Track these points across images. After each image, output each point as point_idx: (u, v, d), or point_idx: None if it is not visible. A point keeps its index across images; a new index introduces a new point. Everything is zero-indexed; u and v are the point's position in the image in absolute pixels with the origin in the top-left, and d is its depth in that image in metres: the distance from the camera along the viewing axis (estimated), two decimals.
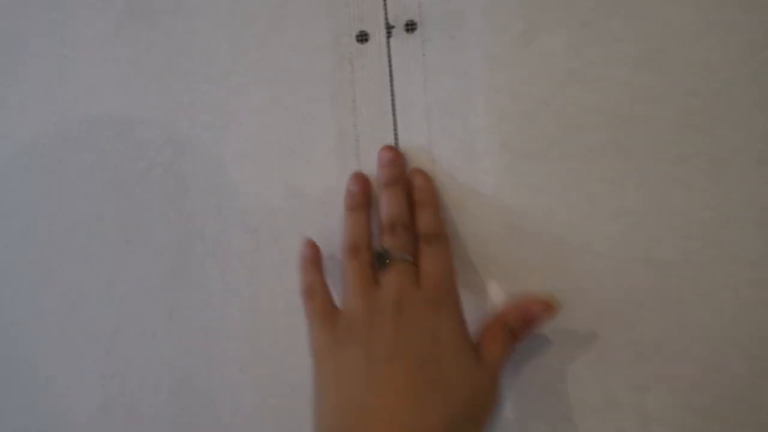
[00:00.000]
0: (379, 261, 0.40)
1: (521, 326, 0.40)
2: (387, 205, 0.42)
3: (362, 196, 0.43)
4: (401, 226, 0.41)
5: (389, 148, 0.43)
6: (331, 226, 0.45)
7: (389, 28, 0.44)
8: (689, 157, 0.39)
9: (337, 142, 0.45)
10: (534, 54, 0.41)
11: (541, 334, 0.42)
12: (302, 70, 0.45)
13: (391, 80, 0.44)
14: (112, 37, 0.49)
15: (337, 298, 0.42)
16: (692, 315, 0.40)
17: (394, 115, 0.44)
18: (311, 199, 0.46)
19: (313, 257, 0.43)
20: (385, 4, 0.43)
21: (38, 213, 0.52)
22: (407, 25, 0.43)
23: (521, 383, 0.42)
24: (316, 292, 0.41)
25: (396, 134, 0.44)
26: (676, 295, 0.40)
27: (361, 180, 0.44)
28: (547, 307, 0.40)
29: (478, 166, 0.43)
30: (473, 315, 0.41)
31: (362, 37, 0.44)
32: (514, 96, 0.42)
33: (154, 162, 0.49)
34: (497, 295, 0.43)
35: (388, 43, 0.44)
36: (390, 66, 0.44)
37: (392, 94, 0.44)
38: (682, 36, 0.39)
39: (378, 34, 0.44)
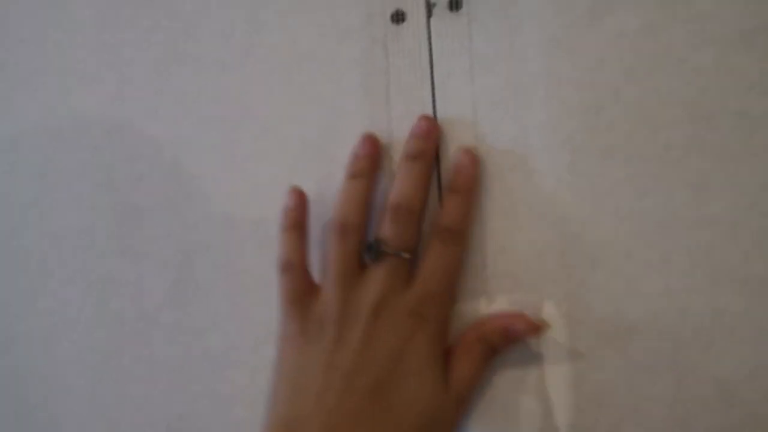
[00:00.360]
0: (368, 253, 0.36)
1: (501, 341, 0.36)
2: (400, 183, 0.36)
3: (368, 162, 0.38)
4: (407, 211, 0.36)
5: (428, 118, 0.37)
6: None
7: (430, 6, 0.38)
8: None
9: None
10: (603, 36, 0.35)
11: (611, 365, 0.35)
12: (328, 55, 0.39)
13: (432, 68, 0.38)
14: (111, 19, 0.44)
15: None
16: None
17: (434, 108, 0.38)
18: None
19: (297, 218, 0.39)
20: None
21: (22, 220, 0.47)
22: (451, 2, 0.37)
23: (602, 424, 0.36)
24: (292, 269, 0.38)
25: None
26: None
27: (371, 143, 0.38)
28: (533, 327, 0.35)
29: (533, 168, 0.37)
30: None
31: (398, 17, 0.38)
32: (579, 86, 0.36)
33: (154, 163, 0.44)
34: (552, 318, 0.36)
35: (428, 23, 0.38)
36: (430, 51, 0.38)
37: (432, 85, 0.38)
38: None
39: (416, 13, 0.38)
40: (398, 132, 0.38)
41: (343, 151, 0.39)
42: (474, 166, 0.37)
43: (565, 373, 0.36)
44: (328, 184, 0.40)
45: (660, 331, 0.35)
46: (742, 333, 0.34)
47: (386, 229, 0.36)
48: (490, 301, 0.37)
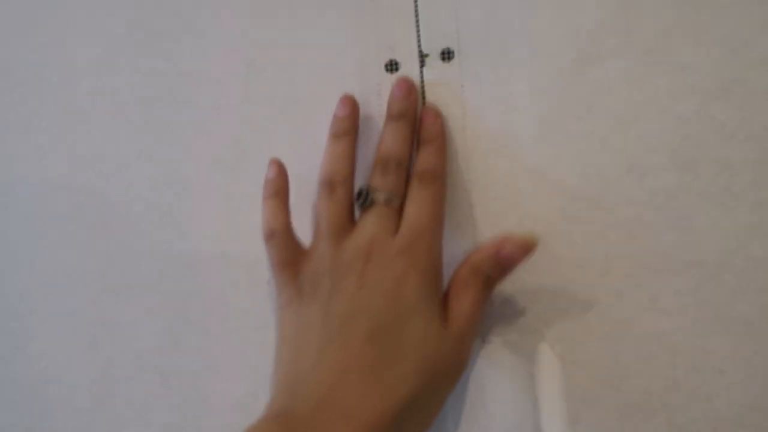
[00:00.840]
0: (358, 200, 0.37)
1: (495, 271, 0.36)
2: (386, 140, 0.38)
3: (349, 121, 0.39)
4: (395, 163, 0.37)
5: (406, 79, 0.38)
6: None
7: (423, 57, 0.39)
8: None
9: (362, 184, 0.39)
10: (589, 86, 0.36)
11: (604, 404, 0.36)
12: (324, 101, 0.40)
13: None
14: (108, 62, 0.44)
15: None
16: None
17: None
18: None
19: (277, 186, 0.39)
20: (418, 29, 0.39)
21: (13, 261, 0.46)
22: (443, 53, 0.38)
23: None
24: (276, 236, 0.38)
25: None
26: (760, 361, 0.35)
27: (350, 103, 0.39)
28: (524, 246, 0.35)
29: (526, 213, 0.37)
30: None
31: (392, 66, 0.39)
32: (567, 134, 0.37)
33: (150, 204, 0.44)
34: (549, 360, 0.37)
35: (421, 72, 0.39)
36: (423, 98, 0.39)
37: None
38: (761, 65, 0.34)
39: (410, 63, 0.39)
40: None
41: None
42: (438, 117, 0.38)
43: (560, 413, 0.36)
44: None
45: (651, 372, 0.36)
46: (730, 373, 0.35)
47: (376, 179, 0.37)
48: (485, 342, 0.38)
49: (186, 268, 0.43)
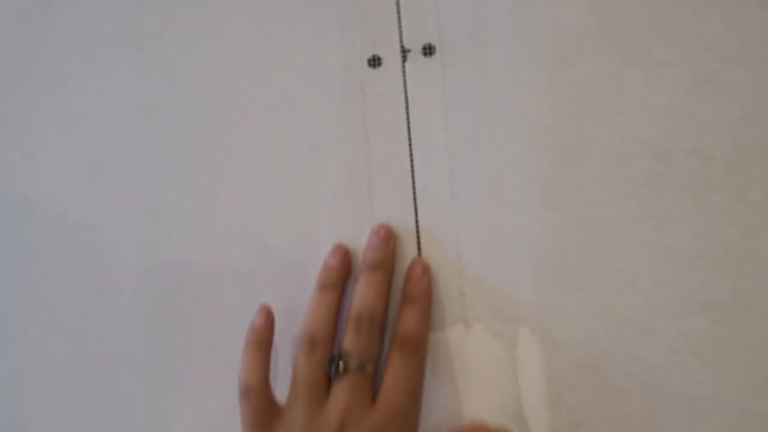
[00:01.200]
0: (333, 366, 0.36)
1: None
2: (361, 293, 0.37)
3: (339, 273, 0.38)
4: (368, 321, 0.36)
5: (383, 226, 0.39)
6: None
7: (404, 52, 0.40)
8: (742, 191, 0.36)
9: (348, 178, 0.40)
10: (568, 80, 0.38)
11: (585, 388, 0.37)
12: (309, 97, 0.40)
13: (407, 109, 0.40)
14: (92, 62, 0.44)
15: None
16: (753, 364, 0.36)
17: (410, 148, 0.40)
18: (319, 246, 0.41)
19: (261, 336, 0.38)
20: (399, 26, 0.40)
21: None
22: (425, 48, 0.39)
23: None
24: (251, 393, 0.37)
25: (412, 168, 0.40)
26: (733, 342, 0.36)
27: (342, 253, 0.39)
28: None
29: (506, 203, 0.38)
30: None
31: (375, 62, 0.40)
32: (547, 127, 0.38)
33: (134, 204, 0.44)
34: (528, 342, 0.38)
35: (403, 68, 0.40)
36: (406, 94, 0.40)
37: (408, 125, 0.40)
38: (732, 60, 0.36)
39: (392, 59, 0.40)
40: (377, 170, 0.40)
41: (325, 190, 0.40)
42: (425, 275, 0.38)
43: (541, 396, 0.38)
44: (309, 224, 0.41)
45: (630, 355, 0.37)
46: (706, 354, 0.36)
47: (349, 341, 0.36)
48: (468, 327, 0.39)
49: (171, 267, 0.43)
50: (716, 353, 0.36)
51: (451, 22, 0.39)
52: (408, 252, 0.39)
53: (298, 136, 0.41)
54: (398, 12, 0.40)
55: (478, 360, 0.39)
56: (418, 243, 0.39)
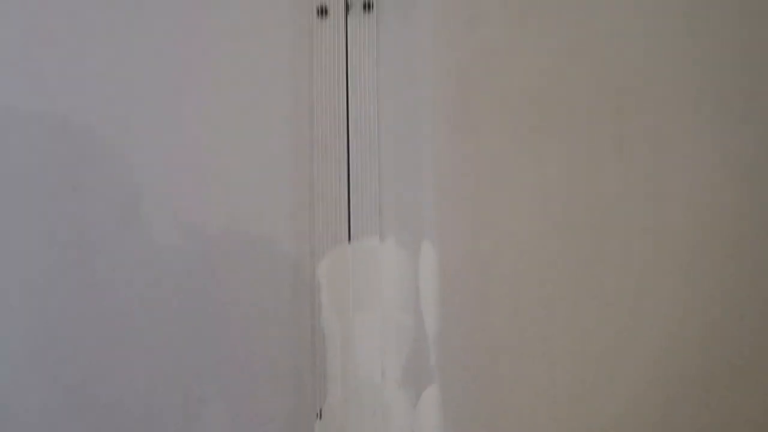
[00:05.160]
0: None
1: None
2: None
3: None
4: None
5: None
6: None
7: (348, 6, 0.48)
8: (602, 137, 0.46)
9: (292, 109, 0.48)
10: (476, 40, 0.47)
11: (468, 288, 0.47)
12: (262, 42, 0.48)
13: (347, 54, 0.48)
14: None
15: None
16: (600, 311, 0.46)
17: (347, 86, 0.48)
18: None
19: None
20: None
21: None
22: (365, 4, 0.47)
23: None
24: None
25: (348, 103, 0.48)
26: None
27: None
28: None
29: (419, 136, 0.47)
30: None
31: (322, 11, 0.48)
32: (457, 76, 0.47)
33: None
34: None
35: (346, 19, 0.48)
36: (347, 41, 0.48)
37: (347, 67, 0.48)
38: (598, 34, 0.46)
39: (337, 11, 0.48)
40: (318, 104, 0.48)
41: (272, 118, 0.49)
42: None
43: (435, 295, 0.47)
44: (259, 145, 0.49)
45: (506, 270, 0.47)
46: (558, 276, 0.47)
47: None
48: (383, 239, 0.48)
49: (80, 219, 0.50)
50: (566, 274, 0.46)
51: None
52: (339, 166, 0.48)
53: (250, 71, 0.49)
54: None
55: (388, 265, 0.48)
56: (348, 165, 0.48)
